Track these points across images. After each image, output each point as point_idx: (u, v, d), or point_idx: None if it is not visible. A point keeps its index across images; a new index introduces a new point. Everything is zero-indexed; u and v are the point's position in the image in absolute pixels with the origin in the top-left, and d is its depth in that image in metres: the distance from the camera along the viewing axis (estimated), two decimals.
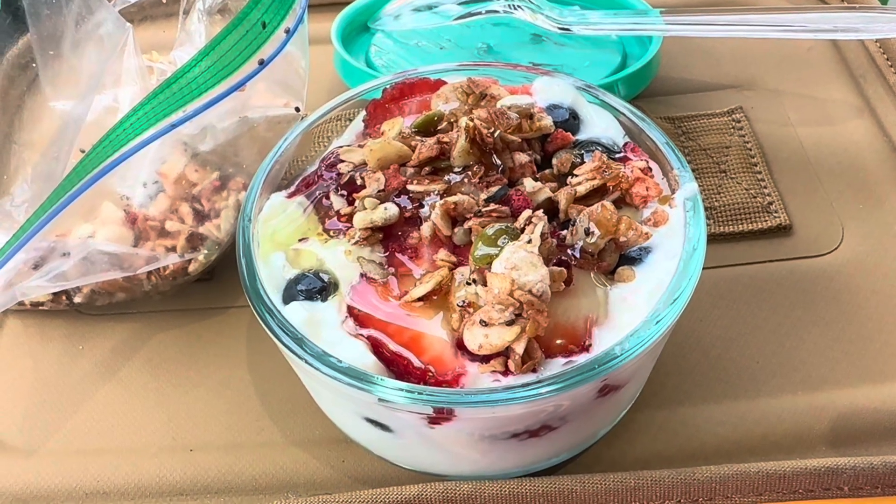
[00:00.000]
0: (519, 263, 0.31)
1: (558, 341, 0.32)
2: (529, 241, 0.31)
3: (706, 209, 0.48)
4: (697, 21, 0.51)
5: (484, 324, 0.31)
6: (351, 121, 0.43)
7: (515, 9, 0.55)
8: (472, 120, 0.36)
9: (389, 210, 0.35)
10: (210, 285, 0.48)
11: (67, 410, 0.43)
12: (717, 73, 0.58)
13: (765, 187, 0.50)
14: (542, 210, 0.34)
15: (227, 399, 0.43)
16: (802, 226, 0.48)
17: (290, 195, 0.39)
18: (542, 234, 0.32)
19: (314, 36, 0.61)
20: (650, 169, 0.38)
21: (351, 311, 0.34)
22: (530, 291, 0.30)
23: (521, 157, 0.37)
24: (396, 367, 0.32)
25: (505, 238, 0.32)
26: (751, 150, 0.52)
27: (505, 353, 0.31)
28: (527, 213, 0.33)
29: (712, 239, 0.47)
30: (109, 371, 0.44)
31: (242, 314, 0.46)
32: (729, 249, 0.47)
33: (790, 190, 0.50)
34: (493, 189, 0.35)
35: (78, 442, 0.42)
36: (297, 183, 0.40)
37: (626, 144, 0.40)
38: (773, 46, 0.59)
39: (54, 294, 0.44)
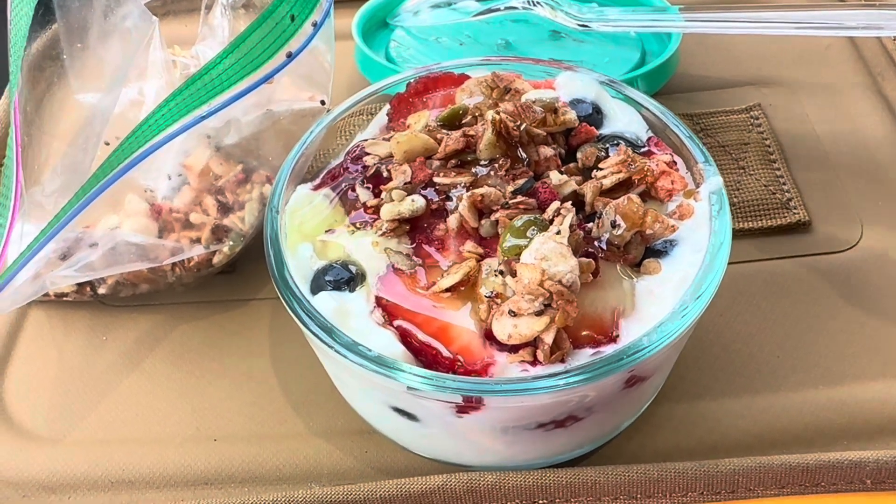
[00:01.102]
0: (549, 254, 0.31)
1: (586, 332, 0.32)
2: (559, 233, 0.32)
3: None
4: (716, 18, 0.51)
5: (513, 314, 0.31)
6: (374, 115, 0.43)
7: (534, 5, 0.55)
8: (498, 113, 0.37)
9: (417, 202, 0.35)
10: (232, 278, 0.48)
11: (92, 400, 0.43)
12: (735, 71, 0.58)
13: (783, 184, 0.50)
14: (570, 202, 0.34)
15: (250, 390, 0.43)
16: (821, 222, 0.48)
17: (316, 187, 0.39)
18: (571, 226, 0.32)
19: (335, 31, 0.62)
20: (675, 163, 0.38)
21: (379, 301, 0.34)
22: (560, 282, 0.30)
23: (546, 151, 0.38)
24: (425, 357, 0.32)
25: (534, 229, 0.32)
26: (769, 146, 0.52)
27: (533, 343, 0.31)
28: (555, 204, 0.34)
29: (731, 235, 0.48)
30: (133, 362, 0.45)
31: (264, 306, 0.47)
32: (748, 245, 0.48)
33: (809, 186, 0.50)
34: (520, 182, 0.36)
35: (103, 431, 0.42)
36: (322, 175, 0.40)
37: (649, 139, 0.40)
38: (791, 44, 0.59)
39: (79, 285, 0.44)
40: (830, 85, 0.56)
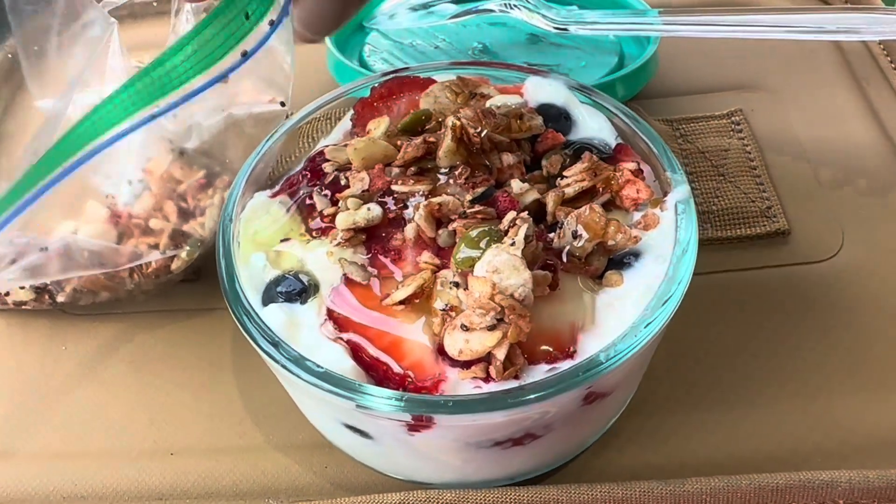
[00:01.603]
0: (501, 267, 0.30)
1: (542, 347, 0.31)
2: (513, 244, 0.30)
3: (703, 213, 0.48)
4: (697, 21, 0.50)
5: (465, 328, 0.30)
6: (339, 120, 0.42)
7: (512, 8, 0.54)
8: (458, 119, 0.36)
9: (373, 211, 0.34)
10: (196, 286, 0.47)
11: (48, 412, 0.42)
12: (716, 75, 0.57)
13: (764, 191, 0.49)
14: (527, 212, 0.33)
15: (210, 402, 0.42)
16: (802, 231, 0.47)
17: (274, 195, 0.38)
18: (527, 237, 0.31)
19: None
20: (641, 171, 0.37)
21: (330, 314, 0.33)
22: (512, 296, 0.29)
23: (509, 158, 0.37)
24: (375, 373, 0.31)
25: (487, 240, 0.31)
26: (750, 153, 0.51)
27: (486, 359, 0.30)
28: (511, 214, 0.32)
29: (709, 244, 0.46)
30: (92, 372, 0.44)
31: (228, 316, 0.44)
32: (726, 254, 0.46)
33: (790, 194, 0.49)
34: (479, 190, 0.34)
35: (57, 444, 0.41)
36: (281, 182, 0.39)
37: (617, 146, 0.39)
38: (775, 48, 0.58)
39: (37, 293, 0.43)
40: (814, 90, 0.55)
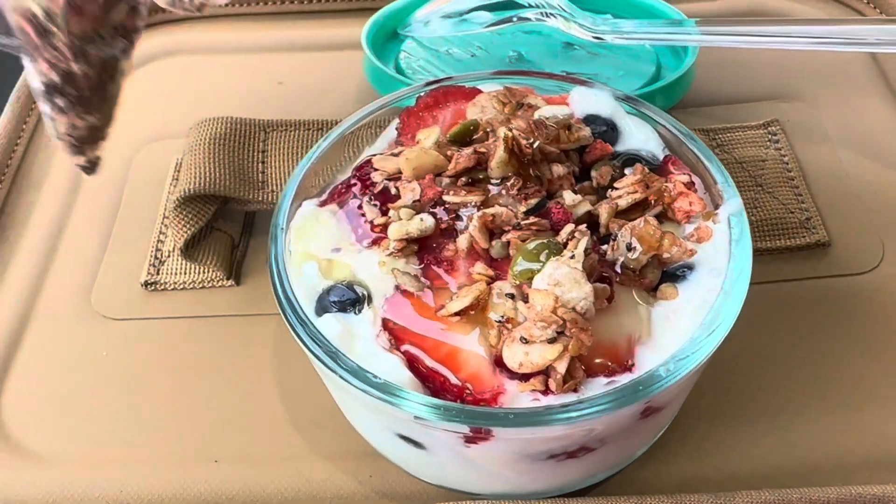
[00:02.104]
0: (562, 280, 0.30)
1: (599, 360, 0.31)
2: (573, 257, 0.31)
3: None
4: (734, 31, 0.50)
5: (524, 341, 0.30)
6: (383, 128, 0.42)
7: (548, 16, 0.54)
8: (510, 130, 0.36)
9: (426, 221, 0.34)
10: (237, 291, 0.47)
11: (90, 418, 0.42)
12: (752, 85, 0.57)
13: (802, 202, 0.49)
14: (584, 225, 0.33)
15: (253, 409, 0.42)
16: (841, 242, 0.47)
17: (322, 203, 0.38)
18: (586, 250, 0.31)
19: (344, 41, 0.61)
20: (693, 183, 0.37)
21: (385, 324, 0.33)
22: (574, 309, 0.29)
23: (559, 169, 0.37)
24: (433, 384, 0.31)
25: (547, 253, 0.31)
26: (788, 164, 0.51)
27: (545, 371, 0.30)
28: (569, 227, 0.32)
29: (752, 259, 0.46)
30: (133, 378, 0.44)
31: (269, 322, 0.46)
32: (765, 266, 0.46)
33: (828, 205, 0.49)
34: (532, 201, 0.34)
35: (101, 450, 0.41)
36: (328, 191, 0.39)
37: (666, 157, 0.39)
38: (811, 59, 0.58)
39: None
40: (851, 101, 0.55)
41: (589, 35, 0.52)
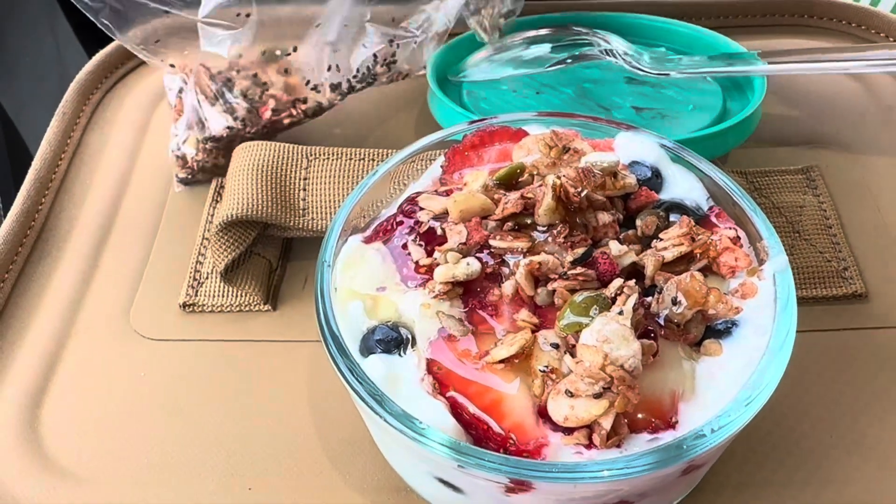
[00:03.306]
0: (611, 336, 0.30)
1: (643, 416, 0.31)
2: (621, 313, 0.31)
3: None
4: (801, 58, 0.50)
5: (570, 394, 0.30)
6: (429, 164, 0.43)
7: (608, 54, 0.54)
8: (559, 178, 0.36)
9: (472, 266, 0.35)
10: (272, 316, 0.48)
11: (126, 437, 0.43)
12: (792, 129, 0.57)
13: (840, 251, 0.49)
14: (633, 280, 0.33)
15: (287, 438, 0.42)
16: (879, 293, 0.47)
17: (367, 239, 0.39)
18: (634, 306, 0.31)
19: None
20: (739, 238, 0.37)
21: (430, 368, 0.33)
22: (622, 366, 0.29)
23: (605, 217, 0.37)
24: (475, 431, 0.31)
25: (596, 308, 0.31)
26: (826, 211, 0.51)
27: (589, 424, 0.30)
28: (618, 281, 0.33)
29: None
30: (170, 400, 0.44)
31: (304, 349, 0.46)
32: (801, 315, 0.46)
33: (866, 255, 0.49)
34: (579, 250, 0.35)
35: (135, 472, 0.41)
36: (373, 226, 0.40)
37: (710, 208, 0.39)
38: (851, 104, 0.58)
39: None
40: (891, 149, 0.55)
41: (654, 72, 0.52)
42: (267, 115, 0.52)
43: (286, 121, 0.53)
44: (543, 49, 0.55)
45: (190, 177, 0.53)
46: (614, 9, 0.61)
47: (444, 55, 0.57)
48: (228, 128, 0.51)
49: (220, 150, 0.52)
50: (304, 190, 0.49)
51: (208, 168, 0.53)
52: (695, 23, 0.60)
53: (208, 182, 0.53)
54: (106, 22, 0.47)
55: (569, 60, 0.54)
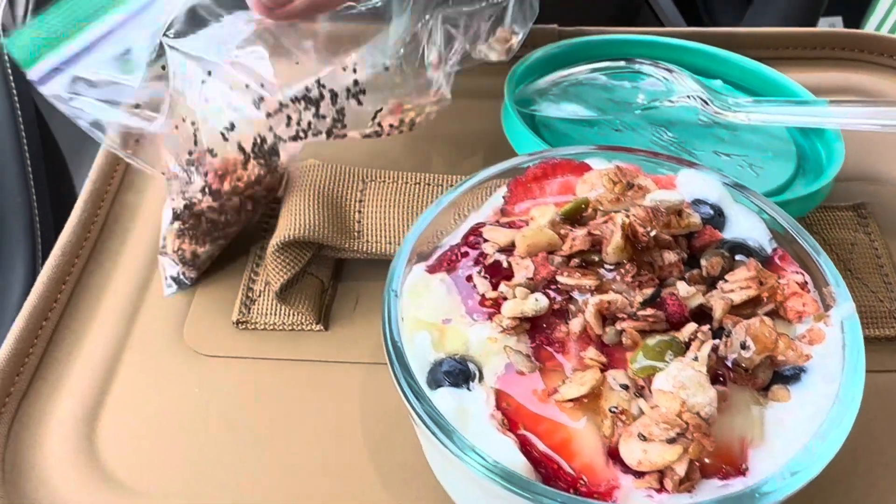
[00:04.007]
0: (687, 383, 0.30)
1: (713, 461, 0.31)
2: (696, 359, 0.31)
3: None
4: (872, 114, 0.50)
5: (643, 438, 0.30)
6: (490, 193, 0.43)
7: (693, 98, 0.54)
8: (628, 217, 0.36)
9: (540, 302, 0.35)
10: (325, 336, 0.48)
11: (181, 454, 0.43)
12: (843, 164, 0.57)
13: (892, 291, 0.49)
14: (707, 326, 0.33)
15: (340, 460, 0.43)
16: None
17: (431, 269, 0.39)
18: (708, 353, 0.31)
19: (488, 91, 0.59)
20: (806, 283, 0.37)
21: (499, 403, 0.33)
22: (698, 414, 0.30)
23: (671, 256, 0.37)
24: (545, 470, 0.32)
25: (671, 353, 0.32)
26: (877, 249, 0.51)
27: (661, 468, 0.30)
28: (691, 326, 0.33)
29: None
30: (223, 418, 0.45)
31: (356, 370, 0.47)
32: None
33: None
34: (648, 291, 0.35)
35: (190, 487, 0.42)
36: (436, 255, 0.40)
37: (774, 250, 0.39)
38: None
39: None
40: None
41: (730, 115, 0.53)
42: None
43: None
44: (623, 91, 0.55)
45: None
46: (661, 34, 0.61)
47: (520, 76, 0.56)
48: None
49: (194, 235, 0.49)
50: (360, 212, 0.49)
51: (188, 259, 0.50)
52: (744, 54, 0.60)
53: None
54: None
55: (654, 105, 0.54)
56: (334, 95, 0.48)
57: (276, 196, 0.51)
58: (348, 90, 0.48)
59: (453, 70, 0.51)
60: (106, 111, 0.45)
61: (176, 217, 0.48)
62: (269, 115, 0.47)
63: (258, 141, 0.48)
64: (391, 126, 0.50)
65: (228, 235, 0.50)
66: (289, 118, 0.48)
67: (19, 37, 0.45)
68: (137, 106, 0.46)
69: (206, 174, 0.47)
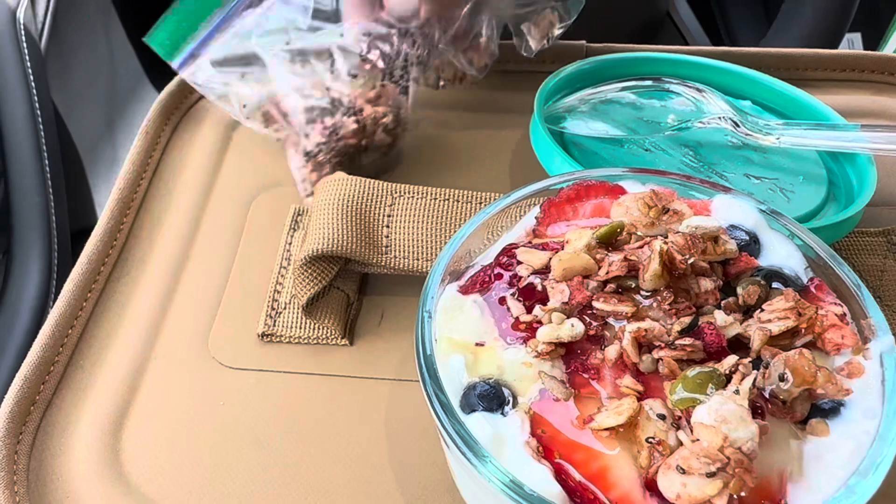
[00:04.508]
0: (729, 417, 0.30)
1: (752, 495, 0.31)
2: (737, 392, 0.31)
3: None
4: None
5: (681, 471, 0.30)
6: (522, 212, 0.43)
7: (724, 119, 0.54)
8: (666, 244, 0.36)
9: (576, 328, 0.35)
10: (350, 351, 0.48)
11: (204, 465, 0.43)
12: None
13: None
14: (748, 359, 0.33)
15: (365, 478, 0.43)
16: None
17: (464, 289, 0.39)
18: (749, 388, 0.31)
19: (518, 107, 0.60)
20: (845, 315, 0.36)
21: (534, 430, 0.33)
22: (740, 449, 0.29)
23: (707, 284, 0.37)
24: (580, 499, 0.31)
25: (712, 386, 0.31)
26: None
27: (700, 503, 0.30)
28: (732, 359, 0.33)
29: None
30: (246, 431, 0.44)
31: (382, 387, 0.46)
32: None
33: None
34: (685, 319, 0.35)
35: (213, 500, 0.42)
36: (468, 275, 0.40)
37: (811, 279, 0.39)
38: None
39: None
40: None
41: (760, 138, 0.52)
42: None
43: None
44: (653, 111, 0.55)
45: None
46: (689, 53, 0.61)
47: (550, 92, 0.56)
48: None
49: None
50: (388, 227, 0.49)
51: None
52: (771, 74, 0.60)
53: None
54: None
55: (685, 125, 0.54)
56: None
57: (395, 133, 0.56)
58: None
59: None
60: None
61: (309, 156, 0.53)
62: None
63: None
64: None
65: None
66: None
67: (158, 33, 0.53)
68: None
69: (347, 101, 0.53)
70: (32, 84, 1.02)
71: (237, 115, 0.54)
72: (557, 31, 0.57)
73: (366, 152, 0.55)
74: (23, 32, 1.02)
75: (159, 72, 0.71)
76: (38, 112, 1.01)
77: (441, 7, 0.53)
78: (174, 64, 0.55)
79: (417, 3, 0.53)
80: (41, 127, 1.01)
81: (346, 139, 0.53)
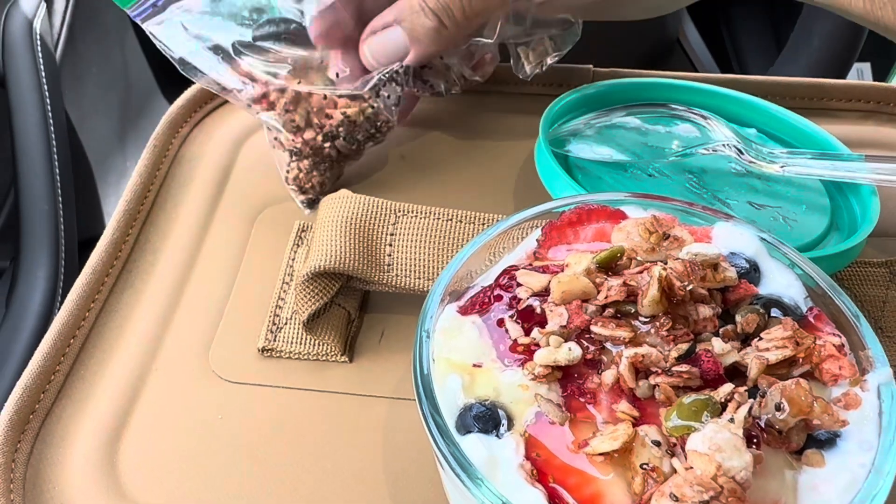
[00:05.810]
0: (723, 445, 0.30)
1: None
2: (732, 421, 0.31)
3: None
4: None
5: (674, 498, 0.30)
6: (523, 235, 0.43)
7: (728, 147, 0.54)
8: (665, 270, 0.36)
9: (574, 351, 0.35)
10: (349, 368, 0.48)
11: (202, 479, 0.43)
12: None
13: None
14: (744, 388, 0.33)
15: (361, 494, 0.43)
16: None
17: (463, 310, 0.39)
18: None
19: (523, 130, 0.60)
20: (844, 346, 0.36)
21: (528, 453, 0.33)
22: (734, 478, 0.29)
23: (706, 311, 0.37)
24: None
25: (707, 414, 0.31)
26: None
27: None
28: (728, 387, 0.33)
29: None
30: (245, 445, 0.45)
31: (380, 405, 0.46)
32: None
33: None
34: (682, 346, 0.35)
35: None
36: (468, 296, 0.40)
37: (810, 309, 0.39)
38: None
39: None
40: None
41: (764, 166, 0.52)
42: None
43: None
44: (657, 136, 0.55)
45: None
46: (695, 79, 0.61)
47: (555, 115, 0.56)
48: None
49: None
50: (391, 246, 0.49)
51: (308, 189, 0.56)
52: (776, 102, 0.60)
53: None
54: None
55: (689, 151, 0.54)
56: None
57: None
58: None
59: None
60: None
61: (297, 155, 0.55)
62: None
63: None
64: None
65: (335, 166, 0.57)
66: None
67: None
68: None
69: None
70: (46, 93, 1.03)
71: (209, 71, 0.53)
72: (550, 60, 0.57)
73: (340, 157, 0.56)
74: (39, 42, 1.04)
75: (172, 85, 0.71)
76: (51, 121, 1.03)
77: (435, 53, 0.53)
78: (130, 11, 0.50)
79: (404, 51, 0.52)
80: (53, 136, 1.02)
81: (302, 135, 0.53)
